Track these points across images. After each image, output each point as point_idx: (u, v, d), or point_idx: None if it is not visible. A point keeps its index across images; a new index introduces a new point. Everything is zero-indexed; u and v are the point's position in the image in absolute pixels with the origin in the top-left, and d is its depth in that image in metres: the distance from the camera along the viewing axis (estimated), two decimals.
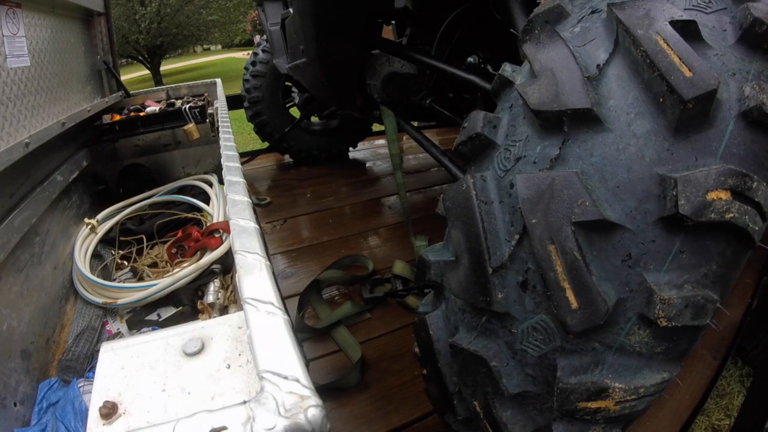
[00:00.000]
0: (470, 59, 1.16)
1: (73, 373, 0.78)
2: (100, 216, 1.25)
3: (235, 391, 0.44)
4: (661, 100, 0.38)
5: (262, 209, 1.88)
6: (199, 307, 0.90)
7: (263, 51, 2.12)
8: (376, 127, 2.68)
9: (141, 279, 1.12)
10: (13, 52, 0.90)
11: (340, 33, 1.20)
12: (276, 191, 2.11)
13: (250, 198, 0.63)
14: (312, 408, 0.27)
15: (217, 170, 1.59)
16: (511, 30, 0.74)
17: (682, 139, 0.38)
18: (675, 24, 0.40)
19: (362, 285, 1.25)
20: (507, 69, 0.53)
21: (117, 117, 1.44)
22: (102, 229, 1.21)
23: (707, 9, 0.43)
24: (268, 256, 0.48)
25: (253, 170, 2.39)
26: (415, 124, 1.69)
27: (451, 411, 0.56)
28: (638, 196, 0.39)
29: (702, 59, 0.38)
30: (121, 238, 1.24)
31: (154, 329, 0.90)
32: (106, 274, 1.13)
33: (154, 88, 1.80)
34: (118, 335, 0.94)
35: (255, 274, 0.41)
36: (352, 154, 2.52)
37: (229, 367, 0.46)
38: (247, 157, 2.44)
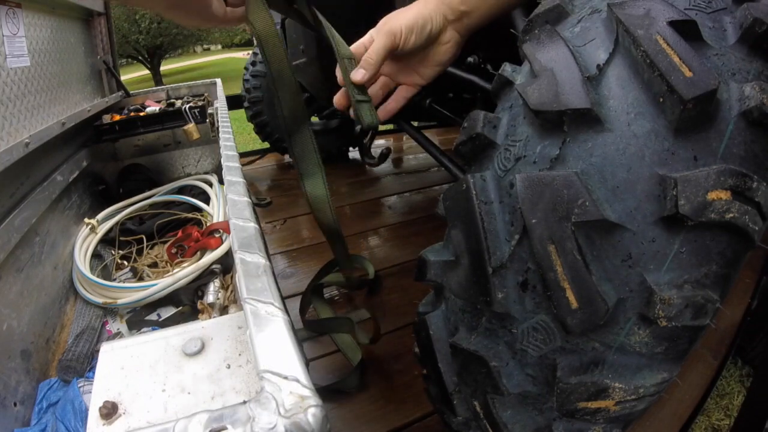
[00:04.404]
0: (470, 59, 1.16)
1: (73, 373, 0.78)
2: (100, 216, 1.25)
3: (235, 391, 0.44)
4: (661, 100, 0.38)
5: (262, 209, 1.88)
6: (199, 307, 0.90)
7: None
8: None
9: (141, 279, 1.12)
10: (13, 52, 0.90)
11: (340, 32, 1.19)
12: (276, 191, 2.11)
13: (250, 198, 0.63)
14: (312, 408, 0.27)
15: (217, 170, 1.59)
16: (511, 30, 0.74)
17: (682, 139, 0.38)
18: (675, 24, 0.40)
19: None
20: (507, 69, 0.53)
21: (117, 117, 1.44)
22: (102, 229, 1.21)
23: (707, 9, 0.43)
24: (268, 256, 0.48)
25: (253, 170, 2.39)
26: (415, 124, 1.69)
27: (451, 411, 0.56)
28: (638, 196, 0.38)
29: (702, 59, 0.38)
30: (121, 238, 1.24)
31: (154, 329, 0.90)
32: (106, 274, 1.13)
33: (154, 88, 1.80)
34: (118, 335, 0.94)
35: (255, 274, 0.41)
36: (352, 154, 2.52)
37: (229, 367, 0.46)
38: (242, 158, 2.43)
